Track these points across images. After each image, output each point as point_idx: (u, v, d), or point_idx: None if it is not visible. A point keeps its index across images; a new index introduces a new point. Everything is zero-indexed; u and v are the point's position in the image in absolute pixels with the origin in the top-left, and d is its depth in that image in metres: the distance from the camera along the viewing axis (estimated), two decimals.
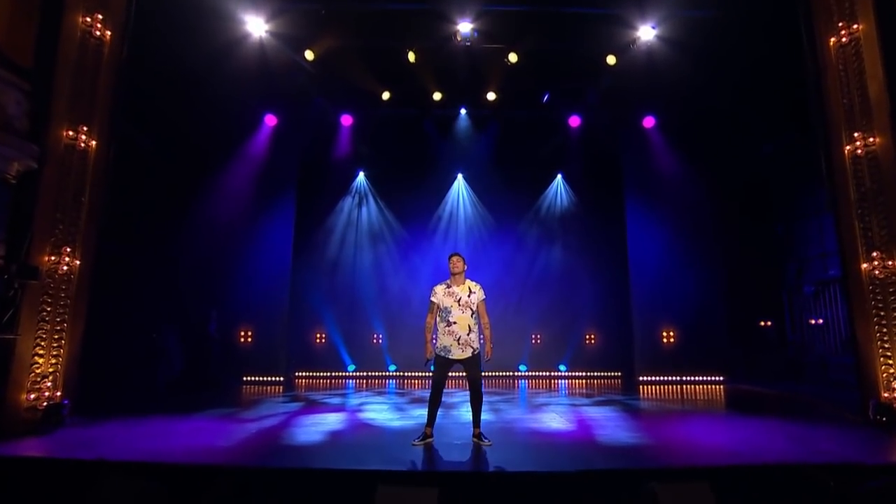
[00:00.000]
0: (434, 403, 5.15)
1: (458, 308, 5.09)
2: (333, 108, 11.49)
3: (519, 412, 7.35)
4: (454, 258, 5.23)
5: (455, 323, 5.07)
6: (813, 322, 10.79)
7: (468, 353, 5.08)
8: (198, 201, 10.47)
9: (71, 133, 6.13)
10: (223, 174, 10.94)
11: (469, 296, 5.16)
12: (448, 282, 5.20)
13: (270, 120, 11.39)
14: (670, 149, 11.35)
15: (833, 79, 6.58)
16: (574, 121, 11.83)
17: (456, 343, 5.05)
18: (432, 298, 5.18)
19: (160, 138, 9.57)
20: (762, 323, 11.69)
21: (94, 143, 6.34)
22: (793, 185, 11.23)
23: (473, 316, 5.17)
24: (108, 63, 6.50)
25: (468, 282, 5.23)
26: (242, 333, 11.22)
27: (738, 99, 9.85)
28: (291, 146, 11.51)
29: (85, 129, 6.24)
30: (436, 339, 5.18)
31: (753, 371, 11.06)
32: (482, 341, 5.23)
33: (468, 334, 5.07)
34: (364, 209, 12.90)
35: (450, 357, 5.08)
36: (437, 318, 5.16)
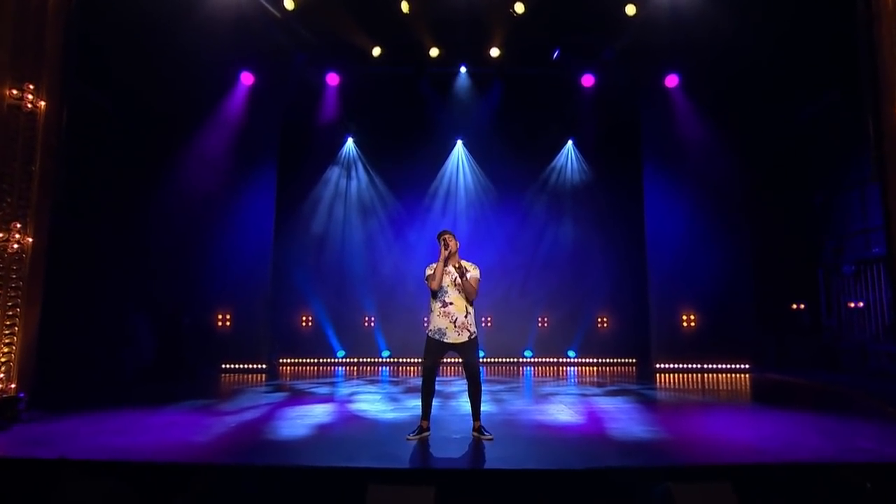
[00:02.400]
0: (427, 393, 5.19)
1: (454, 288, 5.13)
2: (317, 65, 11.27)
3: (523, 403, 7.39)
4: (447, 235, 5.24)
5: (451, 304, 5.11)
6: (852, 305, 10.77)
7: (464, 338, 5.11)
8: (168, 170, 10.38)
9: (15, 92, 5.97)
10: (195, 140, 10.80)
11: (465, 275, 5.15)
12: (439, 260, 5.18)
13: (247, 78, 11.16)
14: (695, 112, 11.17)
15: (887, 28, 6.35)
16: (587, 80, 11.62)
17: (452, 325, 5.08)
18: (428, 273, 5.23)
19: (123, 100, 9.41)
20: (794, 306, 11.68)
21: (42, 103, 6.18)
22: (834, 152, 11.07)
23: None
24: (54, 10, 6.28)
25: (463, 262, 5.23)
26: (220, 317, 11.20)
27: (775, 55, 9.62)
28: (271, 108, 11.32)
29: (31, 87, 6.08)
30: (428, 322, 5.20)
31: (783, 359, 11.10)
32: (479, 325, 5.24)
33: (465, 317, 5.12)
34: (353, 179, 12.84)
35: (444, 341, 5.11)
36: (432, 300, 5.18)
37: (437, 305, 5.16)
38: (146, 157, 10.07)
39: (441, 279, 5.13)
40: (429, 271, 5.23)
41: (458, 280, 5.13)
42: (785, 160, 11.56)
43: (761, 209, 11.32)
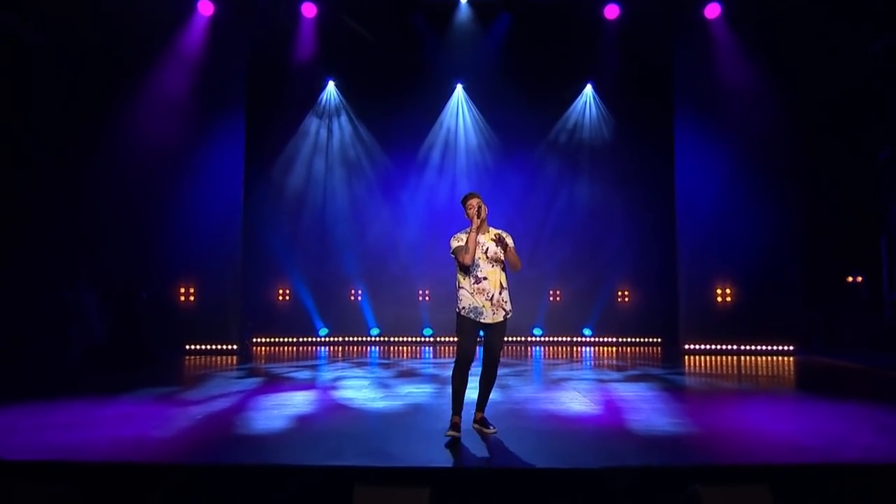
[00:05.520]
0: (462, 382, 5.05)
1: (487, 261, 5.12)
2: None
3: (531, 389, 7.46)
4: (475, 199, 5.16)
5: (485, 279, 5.09)
6: None
7: (500, 317, 5.12)
8: (117, 118, 10.27)
9: None
10: (148, 83, 10.66)
11: (497, 246, 5.11)
12: (469, 229, 5.12)
13: (205, 8, 10.87)
14: (739, 49, 10.95)
15: None
16: (611, 11, 11.38)
17: (489, 303, 5.07)
18: (457, 245, 5.13)
19: (60, 34, 9.21)
20: (850, 278, 11.71)
21: None
22: None
23: (504, 270, 5.20)
24: None
25: (493, 230, 5.19)
26: (182, 290, 11.23)
27: None
28: (236, 45, 11.15)
29: None
30: (460, 301, 5.14)
31: (836, 339, 11.18)
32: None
33: (500, 292, 5.12)
34: (335, 130, 12.76)
35: (481, 321, 5.09)
36: (461, 276, 5.16)
37: (469, 282, 5.11)
38: (91, 102, 9.95)
39: (475, 252, 5.08)
40: (456, 243, 5.15)
41: (491, 252, 5.09)
42: (845, 108, 11.40)
43: (813, 166, 11.25)
